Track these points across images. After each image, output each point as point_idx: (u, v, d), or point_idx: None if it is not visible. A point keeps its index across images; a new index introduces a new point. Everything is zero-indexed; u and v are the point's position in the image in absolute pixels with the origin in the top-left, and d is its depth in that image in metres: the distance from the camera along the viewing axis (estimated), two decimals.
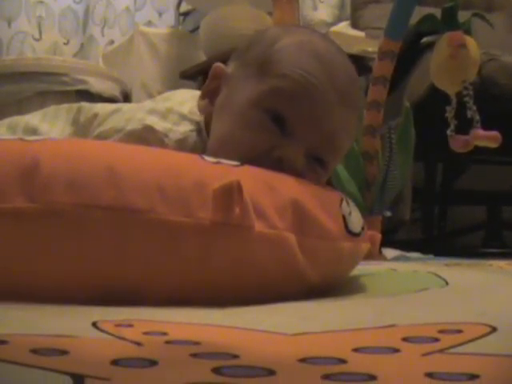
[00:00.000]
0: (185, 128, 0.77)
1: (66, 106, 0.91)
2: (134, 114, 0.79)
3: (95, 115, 0.85)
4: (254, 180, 0.66)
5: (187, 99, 0.82)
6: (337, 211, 0.71)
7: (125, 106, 0.86)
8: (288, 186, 0.68)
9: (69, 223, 0.59)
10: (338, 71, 0.77)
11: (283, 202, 0.66)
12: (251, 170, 0.68)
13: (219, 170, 0.66)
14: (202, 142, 0.77)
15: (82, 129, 0.87)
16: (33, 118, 0.91)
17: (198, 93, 0.84)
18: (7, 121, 0.92)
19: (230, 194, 0.61)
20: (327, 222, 0.68)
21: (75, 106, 0.90)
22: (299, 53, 0.76)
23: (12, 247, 0.60)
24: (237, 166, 0.68)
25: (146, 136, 0.75)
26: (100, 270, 0.60)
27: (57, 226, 0.59)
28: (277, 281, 0.65)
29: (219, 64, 0.81)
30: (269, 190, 0.66)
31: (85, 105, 0.89)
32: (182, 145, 0.76)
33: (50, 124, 0.88)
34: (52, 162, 0.62)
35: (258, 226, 0.62)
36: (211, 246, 0.61)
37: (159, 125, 0.76)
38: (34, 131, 0.88)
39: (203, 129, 0.79)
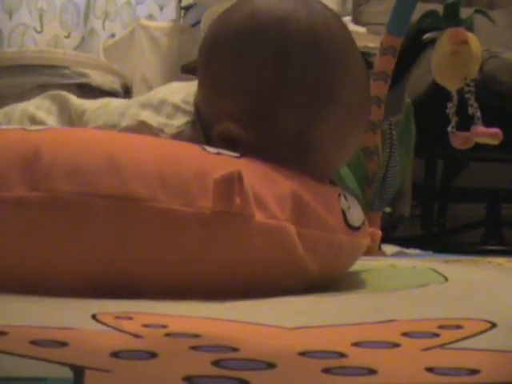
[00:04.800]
0: (179, 121, 0.76)
1: (58, 100, 0.89)
2: (126, 109, 0.79)
3: (83, 112, 0.84)
4: (255, 171, 0.66)
5: (179, 88, 0.82)
6: (335, 205, 0.72)
7: (114, 101, 0.85)
8: (287, 178, 0.68)
9: (70, 211, 0.60)
10: None
11: (283, 193, 0.66)
12: (252, 161, 0.68)
13: (220, 161, 0.66)
14: (197, 133, 0.76)
15: (72, 124, 0.86)
16: (29, 106, 0.90)
17: (189, 82, 0.83)
18: (3, 109, 0.92)
19: (231, 183, 0.61)
20: (326, 214, 0.69)
21: (66, 100, 0.88)
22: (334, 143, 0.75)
23: (13, 235, 0.60)
24: (237, 157, 0.68)
25: (141, 132, 0.75)
26: (100, 259, 0.61)
27: (58, 215, 0.60)
28: (276, 271, 0.66)
29: (230, 128, 0.73)
30: (269, 181, 0.66)
31: (74, 101, 0.87)
32: (177, 139, 0.76)
33: (46, 112, 0.88)
34: (53, 151, 0.62)
35: (258, 216, 0.63)
36: (211, 234, 0.62)
37: (153, 120, 0.76)
38: (31, 119, 0.87)
39: (197, 120, 0.78)
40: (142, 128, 0.75)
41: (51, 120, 0.86)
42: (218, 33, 0.76)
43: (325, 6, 0.78)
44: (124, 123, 0.76)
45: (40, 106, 0.88)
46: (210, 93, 0.76)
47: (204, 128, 0.76)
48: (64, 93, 0.89)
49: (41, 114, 0.87)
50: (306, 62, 0.72)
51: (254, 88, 0.73)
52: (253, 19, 0.74)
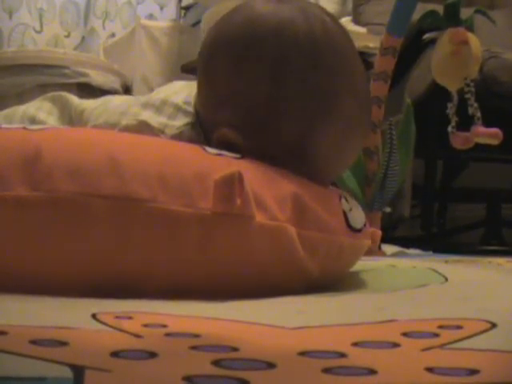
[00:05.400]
0: (180, 122, 0.76)
1: (58, 101, 0.89)
2: (127, 108, 0.79)
3: (82, 111, 0.84)
4: (255, 172, 0.66)
5: (181, 88, 0.81)
6: (337, 206, 0.72)
7: (114, 99, 0.85)
8: (288, 180, 0.68)
9: (70, 211, 0.60)
10: None
11: (283, 195, 0.66)
12: (252, 162, 0.68)
13: (221, 161, 0.66)
14: (197, 135, 0.76)
15: (73, 124, 0.86)
16: (29, 108, 0.90)
17: (190, 82, 0.83)
18: (4, 111, 0.92)
19: (231, 184, 0.61)
20: (327, 216, 0.69)
21: (66, 100, 0.88)
22: (334, 148, 0.75)
23: (13, 235, 0.60)
24: (238, 158, 0.68)
25: (141, 132, 0.75)
26: (100, 259, 0.61)
27: (58, 215, 0.60)
28: (276, 272, 0.66)
29: (227, 134, 0.73)
30: (269, 183, 0.66)
31: (74, 100, 0.87)
32: (177, 140, 0.75)
33: (46, 113, 0.88)
34: (54, 151, 0.62)
35: (259, 217, 0.63)
36: (212, 235, 0.62)
37: (154, 120, 0.76)
38: (31, 120, 0.87)
39: (197, 121, 0.78)
40: (142, 128, 0.75)
41: (52, 120, 0.86)
42: (217, 39, 0.76)
43: (323, 9, 0.78)
44: (124, 122, 0.76)
45: (40, 108, 0.88)
46: (209, 99, 0.76)
47: (204, 130, 0.76)
48: (64, 93, 0.89)
49: (41, 115, 0.87)
50: (305, 69, 0.72)
51: (252, 95, 0.73)
52: (251, 26, 0.74)
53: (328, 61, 0.73)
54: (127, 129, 0.75)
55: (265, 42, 0.72)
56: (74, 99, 0.87)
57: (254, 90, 0.72)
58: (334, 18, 0.78)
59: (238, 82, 0.73)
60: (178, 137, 0.75)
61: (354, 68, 0.76)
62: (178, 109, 0.77)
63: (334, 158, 0.75)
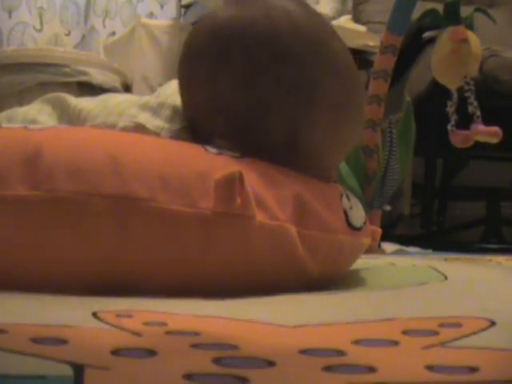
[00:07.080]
0: (177, 125, 0.76)
1: (57, 102, 0.89)
2: (125, 109, 0.78)
3: (80, 111, 0.84)
4: (256, 172, 0.66)
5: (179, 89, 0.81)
6: (337, 205, 0.72)
7: (113, 98, 0.84)
8: (289, 179, 0.68)
9: (70, 211, 0.60)
10: None
11: (284, 194, 0.66)
12: (253, 162, 0.68)
13: (221, 161, 0.66)
14: (194, 138, 0.76)
15: (72, 125, 0.86)
16: (30, 110, 0.90)
17: None
18: (4, 114, 0.92)
19: (232, 184, 0.61)
20: (327, 215, 0.69)
21: (64, 101, 0.87)
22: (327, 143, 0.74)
23: (14, 234, 0.60)
24: (239, 157, 0.68)
25: (138, 133, 0.74)
26: (101, 258, 0.61)
27: (58, 214, 0.60)
28: (277, 272, 0.66)
29: (221, 145, 0.72)
30: (270, 182, 0.66)
31: (72, 101, 0.87)
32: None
33: (47, 116, 0.87)
34: (55, 150, 0.62)
35: (259, 217, 0.63)
36: (212, 235, 0.62)
37: (151, 123, 0.75)
38: (32, 123, 0.87)
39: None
40: (139, 130, 0.75)
41: (52, 123, 0.85)
42: (188, 56, 0.77)
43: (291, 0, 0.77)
44: (122, 124, 0.76)
45: (41, 110, 0.88)
46: (195, 113, 0.76)
47: (198, 136, 0.76)
48: (62, 94, 0.89)
49: (42, 118, 0.86)
50: (273, 64, 0.72)
51: (232, 103, 0.73)
52: (215, 36, 0.74)
53: (297, 50, 0.72)
54: (124, 131, 0.75)
55: (230, 48, 0.73)
56: (71, 99, 0.87)
57: (232, 98, 0.72)
58: (304, 5, 0.77)
59: (215, 95, 0.73)
60: (175, 138, 0.75)
61: (332, 51, 0.74)
62: (175, 111, 0.77)
63: (329, 144, 0.75)
